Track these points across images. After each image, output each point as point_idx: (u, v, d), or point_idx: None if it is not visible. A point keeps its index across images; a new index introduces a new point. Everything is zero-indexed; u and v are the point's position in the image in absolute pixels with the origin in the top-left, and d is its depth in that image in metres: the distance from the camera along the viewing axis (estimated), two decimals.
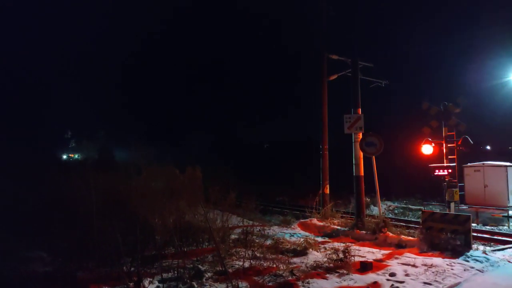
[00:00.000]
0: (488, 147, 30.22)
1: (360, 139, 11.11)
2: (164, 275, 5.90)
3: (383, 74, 14.87)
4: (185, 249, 7.13)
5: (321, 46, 13.89)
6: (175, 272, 5.96)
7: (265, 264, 6.66)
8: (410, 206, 19.08)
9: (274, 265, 6.59)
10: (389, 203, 20.42)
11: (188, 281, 5.63)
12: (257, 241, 8.06)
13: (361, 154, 11.13)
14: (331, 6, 13.78)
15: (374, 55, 14.26)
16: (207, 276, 5.92)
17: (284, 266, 6.63)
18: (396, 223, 11.62)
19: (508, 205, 14.56)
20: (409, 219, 15.04)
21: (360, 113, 11.31)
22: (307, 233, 10.57)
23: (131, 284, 5.32)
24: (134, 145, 8.46)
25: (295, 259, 7.26)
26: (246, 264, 6.55)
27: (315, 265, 6.85)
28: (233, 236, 8.50)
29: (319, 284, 5.83)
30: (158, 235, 6.70)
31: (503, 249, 8.97)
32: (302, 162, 27.25)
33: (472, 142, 9.44)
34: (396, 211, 17.89)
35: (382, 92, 16.62)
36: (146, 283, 5.41)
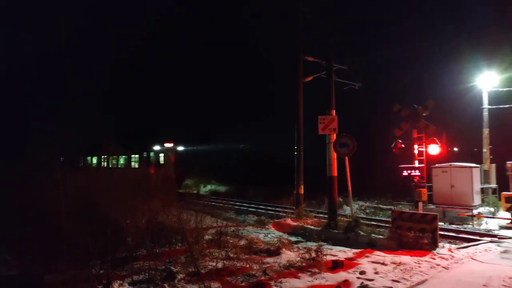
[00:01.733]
0: (456, 149, 31.39)
1: (333, 140, 11.33)
2: (135, 277, 5.81)
3: (358, 76, 15.23)
4: (157, 251, 7.04)
5: (297, 48, 14.04)
6: (147, 274, 5.88)
7: (238, 265, 6.67)
8: (381, 206, 19.57)
9: (248, 265, 6.61)
10: (361, 202, 20.87)
11: (159, 283, 5.57)
12: (231, 241, 8.07)
13: (335, 154, 11.34)
14: (307, 9, 13.95)
15: (349, 58, 14.52)
16: (179, 277, 5.87)
17: (258, 266, 6.66)
18: (367, 222, 11.92)
19: (473, 205, 15.18)
20: (380, 218, 15.42)
21: (334, 114, 11.53)
22: (281, 233, 10.67)
23: (100, 286, 5.21)
24: (105, 145, 8.27)
25: (268, 259, 7.31)
26: (220, 265, 6.54)
27: (288, 264, 6.93)
28: (207, 237, 8.45)
29: (291, 283, 5.90)
30: (130, 236, 6.58)
31: (467, 247, 9.36)
32: (278, 163, 27.46)
33: (439, 144, 9.79)
34: (367, 211, 18.30)
35: (356, 94, 16.99)
36: (116, 285, 5.31)
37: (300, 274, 6.38)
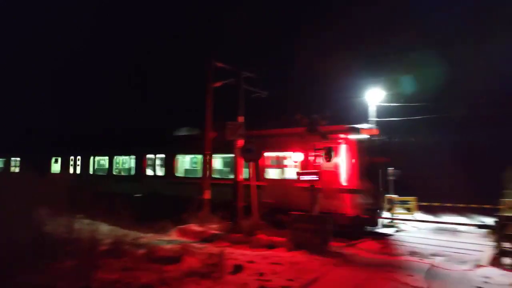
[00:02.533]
0: None
1: (240, 145, 11.59)
2: None
3: (266, 85, 15.86)
4: (43, 265, 6.33)
5: (209, 53, 14.11)
6: None
7: (136, 275, 6.36)
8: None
9: (146, 275, 6.35)
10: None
11: None
12: (129, 250, 7.65)
13: (241, 160, 11.61)
14: (222, 18, 14.17)
15: (258, 67, 15.07)
16: None
17: (157, 275, 6.44)
18: (269, 225, 12.40)
19: None
20: (283, 221, 16.20)
21: (242, 120, 11.82)
22: (184, 240, 10.49)
23: None
24: None
25: (169, 267, 7.10)
26: (115, 276, 6.16)
27: (189, 271, 6.82)
28: (102, 247, 7.89)
29: None
30: (6, 250, 5.80)
31: (354, 245, 10.38)
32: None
33: (333, 153, 10.71)
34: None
35: (265, 102, 17.66)
36: None
37: (201, 281, 6.35)
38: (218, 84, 14.41)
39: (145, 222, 11.83)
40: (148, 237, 10.31)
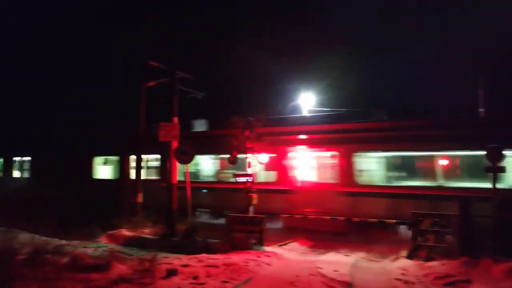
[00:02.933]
0: None
1: (175, 147, 11.34)
2: None
3: (202, 86, 15.70)
4: None
5: (143, 52, 13.61)
6: None
7: (58, 285, 5.91)
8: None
9: (69, 285, 5.93)
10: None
11: None
12: (51, 259, 7.08)
13: (175, 162, 11.37)
14: (158, 16, 13.78)
15: (194, 67, 14.88)
16: None
17: (82, 284, 6.04)
18: (208, 227, 12.31)
19: None
20: (218, 223, 16.18)
21: (176, 122, 11.57)
22: (114, 245, 9.99)
23: None
24: None
25: (96, 276, 6.70)
26: None
27: (118, 279, 6.50)
28: (20, 257, 7.21)
29: None
30: None
31: (287, 243, 10.71)
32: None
33: (268, 155, 10.97)
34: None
35: (200, 103, 17.47)
36: None
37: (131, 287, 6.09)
38: (152, 84, 13.98)
39: (71, 228, 11.08)
40: (74, 244, 9.64)
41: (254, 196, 10.89)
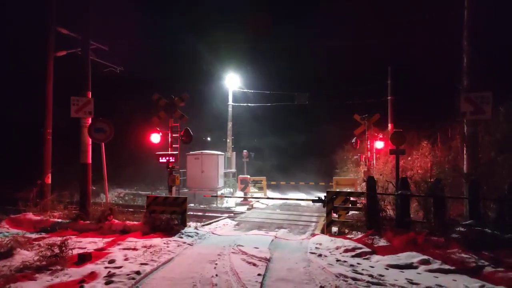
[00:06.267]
0: (209, 139, 35.50)
1: (89, 124, 10.52)
2: None
3: (120, 59, 14.67)
4: None
5: (49, 15, 12.15)
6: None
7: None
8: (140, 192, 19.86)
9: None
10: (120, 190, 20.49)
11: None
12: None
13: (89, 140, 10.57)
14: None
15: (112, 39, 13.78)
16: None
17: None
18: (124, 209, 11.75)
19: (218, 187, 17.66)
20: (138, 204, 15.62)
21: (90, 96, 10.69)
22: (18, 230, 9.03)
23: None
24: None
25: None
26: None
27: (22, 266, 5.93)
28: None
29: (24, 287, 5.08)
30: None
31: (210, 223, 10.77)
32: (25, 147, 23.06)
33: (192, 134, 10.74)
34: (126, 198, 18.18)
35: (118, 79, 16.37)
36: None
37: (37, 275, 5.59)
38: (61, 53, 12.68)
39: None
40: None
41: (177, 176, 10.66)
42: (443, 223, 7.72)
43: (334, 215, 9.38)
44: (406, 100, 20.95)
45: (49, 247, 6.53)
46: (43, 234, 8.93)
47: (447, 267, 6.12)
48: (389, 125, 19.27)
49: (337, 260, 6.64)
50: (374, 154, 17.08)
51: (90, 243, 7.91)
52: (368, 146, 16.78)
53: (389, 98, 19.38)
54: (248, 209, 14.86)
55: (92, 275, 5.63)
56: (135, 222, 9.69)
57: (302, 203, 16.52)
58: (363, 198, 9.47)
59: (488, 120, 9.37)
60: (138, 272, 5.68)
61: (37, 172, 12.24)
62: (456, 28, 9.90)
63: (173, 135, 10.88)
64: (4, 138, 25.18)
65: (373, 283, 5.34)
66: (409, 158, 14.43)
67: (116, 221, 9.68)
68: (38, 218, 10.09)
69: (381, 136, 16.98)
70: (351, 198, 9.52)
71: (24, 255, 6.60)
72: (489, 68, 10.03)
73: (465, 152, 9.57)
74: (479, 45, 9.44)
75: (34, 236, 8.68)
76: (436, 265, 6.20)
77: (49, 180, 11.78)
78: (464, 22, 9.58)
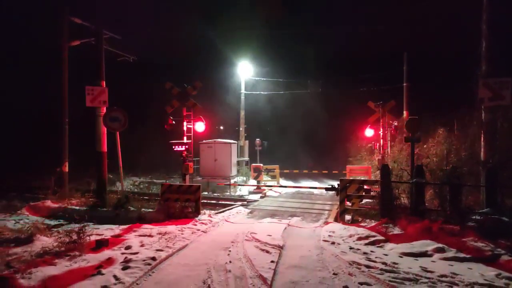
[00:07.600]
0: (221, 127, 35.58)
1: (104, 113, 10.66)
2: None
3: (133, 48, 14.73)
4: None
5: (62, 5, 12.28)
6: None
7: None
8: (154, 180, 20.12)
9: None
10: (135, 178, 20.81)
11: None
12: None
13: (105, 129, 10.72)
14: None
15: (126, 29, 13.82)
16: None
17: (0, 259, 5.58)
18: (139, 197, 11.98)
19: (231, 175, 17.75)
20: (153, 192, 15.85)
21: (105, 86, 10.81)
22: (38, 218, 9.31)
23: None
24: None
25: (17, 249, 6.23)
26: None
27: (42, 252, 6.12)
28: None
29: (44, 272, 5.24)
30: None
31: (223, 211, 10.86)
32: (42, 137, 23.58)
33: (204, 122, 10.79)
34: (141, 186, 18.43)
35: (132, 68, 16.47)
36: None
37: (57, 260, 5.75)
38: (75, 43, 12.82)
39: None
40: None
41: (190, 165, 10.76)
42: (459, 211, 7.61)
43: (348, 203, 9.35)
44: (421, 86, 20.54)
45: (67, 233, 6.71)
46: (61, 221, 9.18)
47: (462, 255, 6.06)
48: (404, 112, 18.96)
49: (350, 248, 6.63)
50: (389, 141, 16.86)
51: (107, 230, 8.09)
52: (381, 133, 16.56)
53: (404, 84, 19.04)
54: (261, 197, 14.92)
55: (109, 261, 5.77)
56: (150, 210, 9.86)
57: (315, 191, 16.50)
58: (377, 186, 9.40)
59: (507, 106, 9.11)
60: (153, 258, 5.80)
61: (53, 162, 12.54)
62: (475, 12, 9.58)
63: (187, 123, 10.94)
64: (22, 129, 25.79)
65: (386, 271, 5.32)
66: (425, 146, 14.18)
67: (132, 208, 9.87)
68: (56, 205, 10.36)
69: (395, 123, 16.72)
70: (365, 186, 9.46)
71: (44, 241, 6.80)
72: (509, 52, 9.70)
73: (482, 139, 9.36)
74: (498, 29, 9.13)
75: (52, 223, 8.94)
76: (451, 253, 6.14)
77: (66, 168, 12.05)
78: (483, 6, 9.27)
